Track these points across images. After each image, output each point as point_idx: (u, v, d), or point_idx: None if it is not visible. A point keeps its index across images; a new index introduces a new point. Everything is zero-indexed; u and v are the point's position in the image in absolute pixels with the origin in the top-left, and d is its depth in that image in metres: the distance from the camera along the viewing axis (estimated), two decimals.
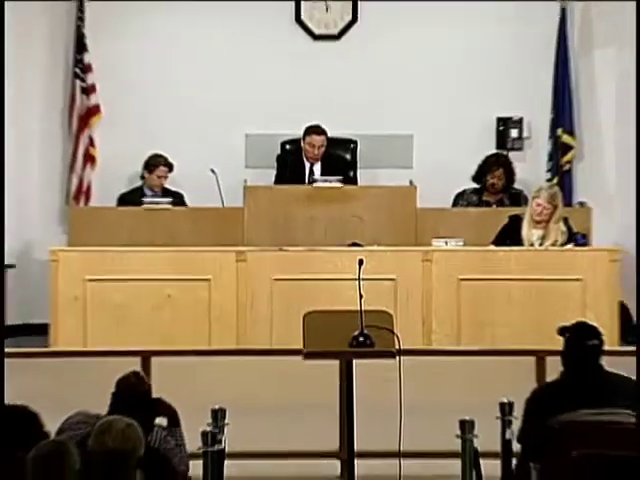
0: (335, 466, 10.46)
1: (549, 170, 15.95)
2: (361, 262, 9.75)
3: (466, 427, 8.46)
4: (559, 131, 16.02)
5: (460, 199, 15.34)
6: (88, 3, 16.12)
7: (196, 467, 8.40)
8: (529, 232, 14.08)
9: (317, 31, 16.63)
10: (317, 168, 15.25)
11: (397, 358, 9.47)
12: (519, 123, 16.43)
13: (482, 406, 9.24)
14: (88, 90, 16.04)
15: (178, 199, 15.25)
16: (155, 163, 15.09)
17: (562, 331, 8.71)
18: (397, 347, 9.35)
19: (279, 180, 15.43)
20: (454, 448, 8.68)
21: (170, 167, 15.12)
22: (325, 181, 15.02)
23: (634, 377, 8.76)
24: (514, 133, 16.47)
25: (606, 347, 8.87)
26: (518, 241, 14.24)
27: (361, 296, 9.38)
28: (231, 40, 16.51)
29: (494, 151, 15.66)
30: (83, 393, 9.77)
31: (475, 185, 15.27)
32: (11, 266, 15.82)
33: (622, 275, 14.36)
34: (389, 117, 16.12)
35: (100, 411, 8.14)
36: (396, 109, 16.08)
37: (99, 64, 16.08)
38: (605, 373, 8.92)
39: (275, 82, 16.27)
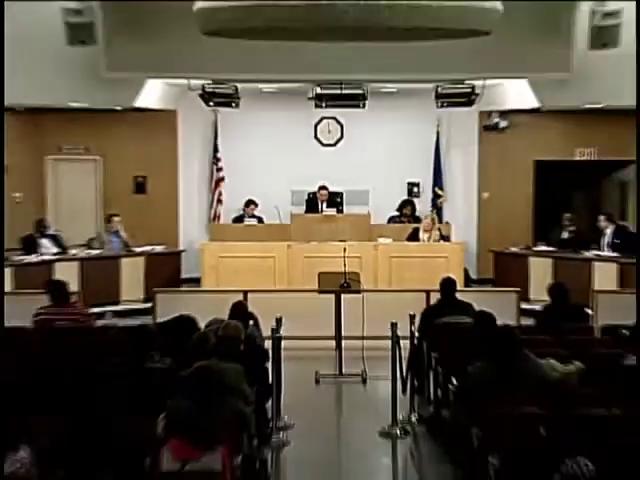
0: (332, 344, 13.37)
1: (432, 206, 18.67)
2: (345, 249, 13.95)
3: (394, 325, 10.86)
4: (436, 189, 18.80)
5: (391, 220, 18.56)
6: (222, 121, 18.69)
7: (267, 345, 10.76)
8: (422, 235, 17.29)
9: (324, 142, 19.51)
10: (324, 205, 18.27)
11: (361, 294, 12.90)
12: (417, 185, 19.22)
13: (401, 315, 11.46)
14: (218, 169, 18.88)
15: (260, 220, 18.37)
16: (248, 203, 18.38)
17: (443, 280, 11.91)
18: (361, 288, 13.12)
19: (307, 211, 18.43)
20: (388, 334, 10.84)
21: (256, 205, 18.31)
22: (329, 211, 18.20)
23: (472, 304, 11.46)
24: (415, 189, 19.20)
25: (457, 287, 12.18)
26: (417, 239, 17.35)
27: (345, 265, 13.30)
28: (285, 147, 19.11)
29: (406, 197, 18.96)
30: (217, 310, 10.84)
31: (397, 213, 18.58)
32: (183, 251, 18.47)
33: (466, 254, 17.43)
34: (358, 181, 19.02)
35: (224, 318, 10.15)
36: (362, 177, 19.02)
37: (224, 155, 18.96)
38: (458, 300, 11.77)
39: (305, 166, 19.05)
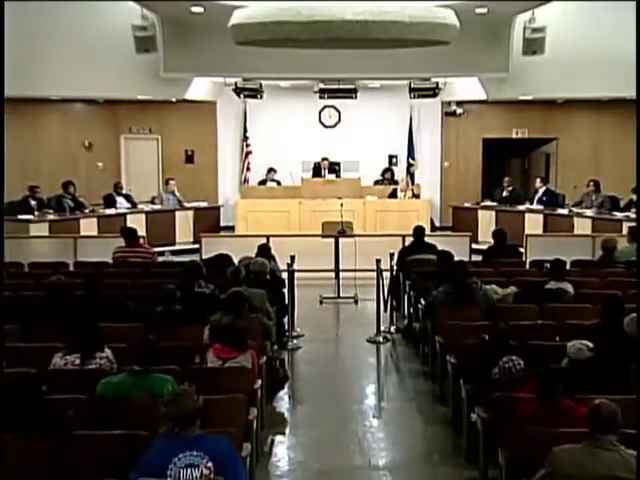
0: (332, 275, 13.44)
1: (407, 172, 18.38)
2: (342, 205, 14.42)
3: (378, 261, 11.04)
4: (410, 159, 18.51)
5: (376, 182, 18.32)
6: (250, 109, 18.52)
7: (284, 275, 10.95)
8: (399, 194, 17.28)
9: (326, 125, 19.19)
10: (326, 172, 18.06)
11: (354, 238, 13.53)
12: (395, 156, 18.98)
13: (383, 253, 11.70)
14: (247, 145, 18.67)
15: (278, 183, 18.24)
16: (269, 171, 18.21)
17: (414, 228, 11.86)
18: (354, 233, 13.76)
19: (313, 176, 18.14)
20: (373, 267, 11.01)
21: (275, 171, 18.20)
22: (330, 176, 18.08)
23: (436, 245, 11.48)
24: (394, 159, 18.97)
25: (426, 232, 12.24)
26: (396, 197, 17.33)
27: (342, 216, 13.89)
28: (297, 128, 18.80)
29: (387, 166, 18.74)
30: (247, 250, 10.88)
31: (381, 177, 18.48)
32: (221, 206, 18.35)
33: (431, 208, 17.51)
34: (351, 153, 18.74)
35: (252, 255, 10.37)
36: (354, 151, 18.75)
37: (251, 134, 18.65)
38: (425, 242, 11.75)
39: (311, 142, 18.78)
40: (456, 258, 10.12)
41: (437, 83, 16.98)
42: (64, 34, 15.12)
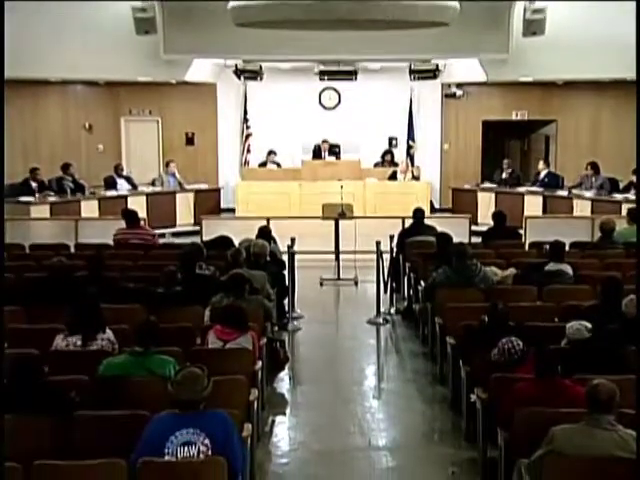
0: (332, 257, 13.18)
1: (407, 154, 18.32)
2: (341, 187, 14.28)
3: (378, 243, 11.01)
4: (409, 141, 18.43)
5: (376, 164, 18.39)
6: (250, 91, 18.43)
7: (284, 257, 10.91)
8: (399, 176, 17.37)
9: (326, 106, 19.06)
10: (326, 154, 18.11)
11: (354, 220, 13.24)
12: (395, 138, 18.88)
13: (383, 235, 11.69)
14: (247, 127, 18.55)
15: (279, 165, 18.20)
16: (269, 153, 18.16)
17: (414, 210, 11.81)
18: (353, 215, 13.36)
19: (314, 158, 18.13)
20: (373, 249, 10.97)
21: (275, 153, 18.14)
22: (330, 158, 18.12)
23: (436, 226, 11.44)
24: (393, 141, 18.88)
25: (425, 214, 12.27)
26: (395, 179, 17.40)
27: (342, 198, 13.75)
28: (297, 110, 18.60)
29: (387, 148, 18.70)
30: (247, 231, 10.86)
31: (380, 160, 18.45)
32: (222, 188, 18.29)
33: (431, 190, 17.57)
34: (351, 135, 18.56)
35: (252, 237, 10.28)
36: (354, 133, 18.59)
37: (251, 116, 18.54)
38: (425, 224, 11.70)
39: (311, 124, 18.68)
40: (455, 240, 10.08)
41: (437, 65, 17.00)
42: (64, 16, 14.96)
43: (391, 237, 11.94)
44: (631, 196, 14.45)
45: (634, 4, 12.46)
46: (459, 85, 18.71)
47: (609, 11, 14.67)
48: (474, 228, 14.37)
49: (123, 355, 6.14)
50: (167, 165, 17.41)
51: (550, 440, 4.86)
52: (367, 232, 12.63)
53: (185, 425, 4.80)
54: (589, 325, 6.46)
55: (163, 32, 14.82)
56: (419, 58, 16.55)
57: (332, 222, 13.30)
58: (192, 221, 16.62)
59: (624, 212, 12.20)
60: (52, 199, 15.04)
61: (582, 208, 14.98)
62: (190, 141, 19.03)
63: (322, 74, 17.46)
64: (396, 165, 18.00)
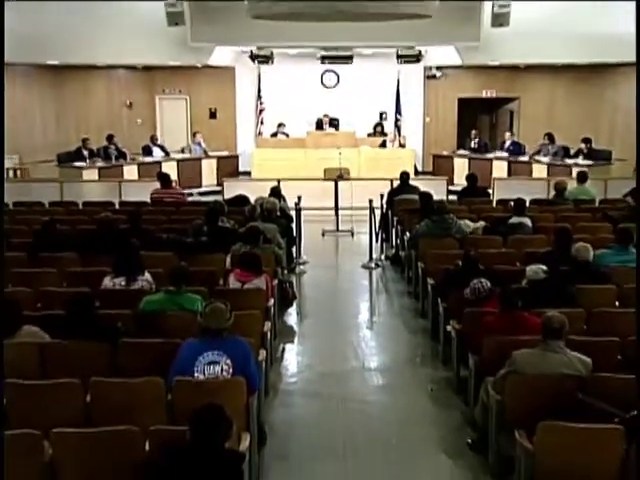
0: (332, 212, 13.05)
1: (395, 126, 18.05)
2: (340, 153, 14.44)
3: (370, 201, 11.11)
4: (397, 115, 18.11)
5: (369, 135, 18.03)
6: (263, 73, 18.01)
7: (292, 213, 10.87)
8: (388, 144, 17.25)
9: (327, 86, 18.80)
10: (327, 126, 18.00)
11: (350, 182, 13.40)
12: (385, 113, 18.51)
13: (375, 194, 11.64)
14: (261, 104, 18.27)
15: (287, 135, 17.96)
16: (279, 125, 17.95)
17: (401, 173, 11.78)
18: (349, 177, 13.71)
19: (316, 129, 17.95)
20: (367, 206, 11.08)
21: (285, 125, 17.91)
22: (330, 130, 18.00)
23: (419, 187, 11.16)
24: (384, 115, 18.50)
25: (410, 176, 12.25)
26: (385, 147, 17.25)
27: (340, 163, 13.94)
28: (302, 89, 18.28)
29: (378, 121, 18.39)
30: (261, 191, 10.60)
31: (372, 131, 18.16)
32: (240, 155, 17.99)
33: (415, 156, 17.38)
34: (348, 110, 18.23)
35: (265, 196, 10.15)
36: (350, 108, 18.25)
37: (264, 94, 18.17)
38: (410, 185, 11.59)
39: (315, 101, 18.34)
40: (435, 198, 10.04)
41: (420, 51, 16.73)
42: (108, 11, 14.73)
43: (381, 195, 11.85)
44: (580, 161, 14.50)
45: None
46: (438, 68, 18.48)
47: (564, 4, 14.37)
48: (451, 188, 14.28)
49: (159, 293, 6.15)
50: (194, 135, 17.28)
51: (512, 362, 4.92)
52: (361, 191, 12.54)
53: (211, 348, 4.85)
54: (545, 268, 6.48)
55: (190, 23, 14.70)
56: (405, 45, 16.28)
57: (332, 183, 13.23)
58: (215, 182, 16.47)
59: (574, 174, 12.16)
60: (100, 164, 15.04)
61: (540, 171, 14.99)
62: (213, 115, 18.87)
63: (323, 58, 17.25)
64: (386, 135, 17.79)
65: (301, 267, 10.52)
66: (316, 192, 13.13)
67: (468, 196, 11.30)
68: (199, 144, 17.02)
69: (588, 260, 6.88)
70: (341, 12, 10.55)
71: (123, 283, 6.60)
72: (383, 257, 11.13)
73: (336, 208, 13.02)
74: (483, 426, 5.27)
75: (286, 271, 9.20)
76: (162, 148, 16.57)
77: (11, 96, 14.58)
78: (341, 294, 9.56)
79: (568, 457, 4.12)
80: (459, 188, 12.79)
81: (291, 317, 8.57)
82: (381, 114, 18.59)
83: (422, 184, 11.81)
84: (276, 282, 7.72)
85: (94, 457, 4.03)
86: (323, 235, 12.44)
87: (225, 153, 17.68)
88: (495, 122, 20.14)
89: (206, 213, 8.79)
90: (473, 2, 14.63)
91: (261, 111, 18.29)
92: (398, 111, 18.18)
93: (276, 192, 10.57)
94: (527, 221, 9.01)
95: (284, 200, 10.77)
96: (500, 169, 15.75)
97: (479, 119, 20.07)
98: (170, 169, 14.83)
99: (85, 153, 15.11)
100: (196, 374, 4.80)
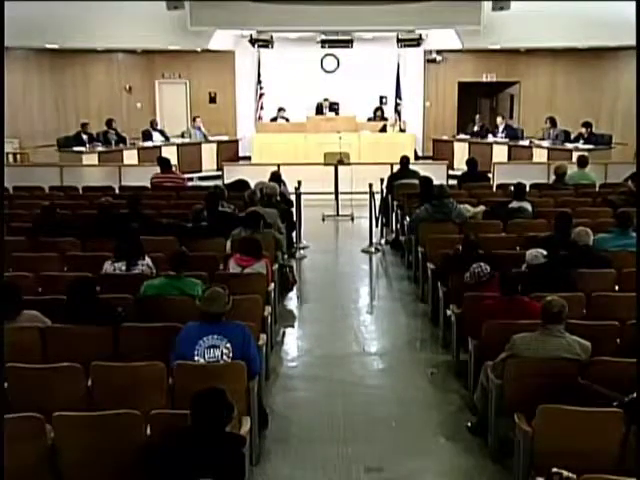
0: (332, 197, 12.93)
1: (395, 110, 17.94)
2: (340, 138, 14.17)
3: (370, 185, 11.13)
4: (397, 99, 17.99)
5: (369, 119, 17.97)
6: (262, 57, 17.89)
7: (292, 197, 10.90)
8: (389, 129, 17.18)
9: (327, 70, 18.70)
10: (327, 110, 17.99)
11: (350, 166, 13.02)
12: (385, 97, 18.43)
13: (375, 178, 11.67)
14: (261, 88, 18.08)
15: (287, 120, 17.88)
16: (279, 109, 17.87)
17: (401, 157, 11.71)
18: (349, 162, 13.29)
19: (316, 114, 17.96)
20: (367, 190, 11.15)
21: (285, 110, 17.82)
22: (330, 114, 17.96)
23: (419, 171, 11.13)
24: (384, 99, 18.40)
25: (410, 161, 12.40)
26: (385, 131, 17.20)
27: (340, 147, 13.60)
28: (302, 74, 18.08)
29: (378, 105, 18.30)
30: (261, 176, 10.66)
31: (373, 115, 18.10)
32: (240, 139, 17.96)
33: (415, 140, 17.36)
34: (348, 94, 18.10)
35: (265, 180, 10.18)
36: (350, 92, 18.08)
37: (264, 78, 17.96)
38: (410, 169, 11.53)
39: (315, 85, 18.20)
40: (435, 182, 10.00)
41: (420, 35, 16.75)
42: None
43: (381, 180, 11.83)
44: (580, 145, 14.43)
45: None
46: (439, 52, 18.44)
47: None
48: (451, 172, 14.26)
49: (160, 278, 6.16)
50: (194, 120, 17.24)
51: (511, 346, 4.94)
52: (361, 176, 12.51)
53: (211, 332, 4.87)
54: (544, 252, 6.48)
55: (190, 7, 14.62)
56: (405, 29, 16.24)
57: (332, 167, 13.18)
58: (215, 167, 16.48)
59: (574, 159, 12.12)
60: (99, 149, 15.02)
61: (540, 155, 14.93)
62: (213, 100, 18.86)
63: (323, 42, 17.19)
64: (386, 119, 17.76)
65: (301, 252, 10.51)
66: (316, 177, 13.02)
67: (468, 181, 11.27)
68: (199, 129, 16.99)
69: (588, 244, 6.89)
70: None
71: (123, 268, 6.61)
72: (383, 242, 11.11)
73: (336, 193, 13.00)
74: (483, 409, 5.29)
75: (286, 256, 9.18)
76: (162, 133, 16.53)
77: (10, 80, 14.57)
78: (341, 279, 9.55)
79: (567, 440, 4.12)
80: (459, 172, 12.76)
81: (291, 301, 8.58)
82: (381, 98, 18.52)
83: (422, 169, 11.77)
84: (276, 267, 7.73)
85: (96, 441, 4.04)
86: (323, 220, 12.44)
87: (225, 138, 17.66)
88: (495, 106, 20.10)
89: (206, 198, 8.76)
90: None
91: (261, 95, 18.23)
92: (398, 95, 18.11)
93: (276, 177, 10.53)
94: (527, 205, 9.00)
95: (284, 185, 10.73)
96: (500, 153, 15.70)
97: (479, 103, 20.05)
98: (170, 154, 14.79)
99: (85, 138, 15.08)
100: (196, 357, 4.83)
